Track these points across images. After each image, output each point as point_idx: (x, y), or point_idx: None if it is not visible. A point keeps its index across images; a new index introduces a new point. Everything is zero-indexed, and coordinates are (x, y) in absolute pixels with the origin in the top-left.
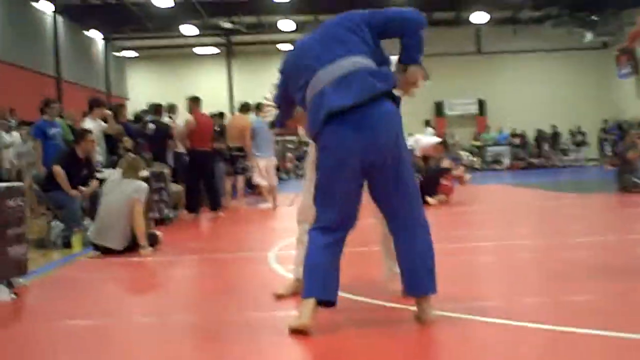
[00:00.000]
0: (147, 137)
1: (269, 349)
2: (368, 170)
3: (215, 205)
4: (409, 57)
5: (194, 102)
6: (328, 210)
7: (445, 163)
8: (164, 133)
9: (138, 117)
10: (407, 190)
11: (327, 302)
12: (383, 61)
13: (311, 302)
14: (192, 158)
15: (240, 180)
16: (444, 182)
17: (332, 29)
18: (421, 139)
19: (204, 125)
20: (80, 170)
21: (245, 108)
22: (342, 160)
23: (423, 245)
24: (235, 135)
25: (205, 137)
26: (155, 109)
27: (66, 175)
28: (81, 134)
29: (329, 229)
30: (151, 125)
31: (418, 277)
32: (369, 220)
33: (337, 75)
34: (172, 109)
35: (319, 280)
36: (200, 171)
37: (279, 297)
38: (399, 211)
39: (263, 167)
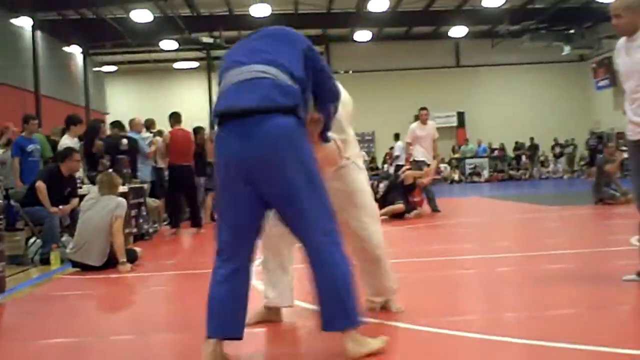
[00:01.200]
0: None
1: None
2: (255, 187)
3: (196, 222)
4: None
5: (173, 117)
6: (222, 229)
7: (409, 179)
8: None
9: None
10: (304, 214)
11: (230, 338)
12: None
13: (211, 342)
14: (171, 173)
15: None
16: (413, 198)
17: (269, 35)
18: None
19: (181, 140)
20: (64, 188)
21: None
22: (227, 171)
23: (331, 274)
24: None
25: (182, 152)
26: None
27: (48, 193)
28: (68, 153)
29: (225, 253)
30: (124, 141)
31: (329, 310)
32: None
33: (243, 77)
34: (151, 124)
35: (217, 319)
36: (179, 186)
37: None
38: (301, 237)
39: None
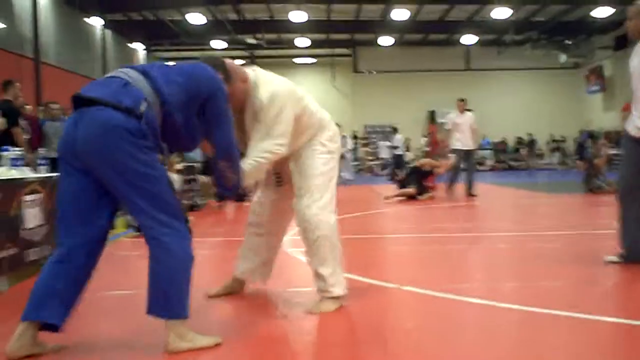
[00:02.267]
0: None
1: (273, 318)
2: (90, 174)
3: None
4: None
5: None
6: (60, 214)
7: (426, 166)
8: None
9: None
10: (137, 205)
11: (47, 325)
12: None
13: (23, 325)
14: None
15: None
16: (427, 183)
17: (183, 66)
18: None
19: None
20: None
21: None
22: (59, 152)
23: (158, 264)
24: None
25: None
26: None
27: None
28: None
29: (60, 241)
30: None
31: (152, 296)
32: (366, 212)
33: (110, 74)
34: None
35: (35, 300)
36: None
37: (210, 297)
38: (140, 223)
39: None
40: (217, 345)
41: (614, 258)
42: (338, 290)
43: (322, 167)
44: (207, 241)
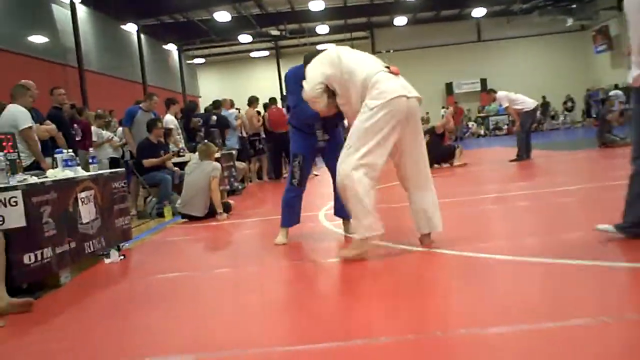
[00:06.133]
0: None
1: (319, 287)
2: None
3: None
4: None
5: (270, 101)
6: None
7: (440, 129)
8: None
9: (207, 111)
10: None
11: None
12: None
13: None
14: (273, 139)
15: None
16: (444, 143)
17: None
18: None
19: (274, 115)
20: (157, 151)
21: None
22: None
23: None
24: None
25: (277, 123)
26: (216, 104)
27: (147, 157)
28: (152, 124)
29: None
30: (214, 117)
31: (342, 209)
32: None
33: None
34: (232, 103)
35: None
36: (280, 148)
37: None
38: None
39: None
40: None
41: (608, 227)
42: (359, 234)
43: (359, 124)
44: (251, 221)
